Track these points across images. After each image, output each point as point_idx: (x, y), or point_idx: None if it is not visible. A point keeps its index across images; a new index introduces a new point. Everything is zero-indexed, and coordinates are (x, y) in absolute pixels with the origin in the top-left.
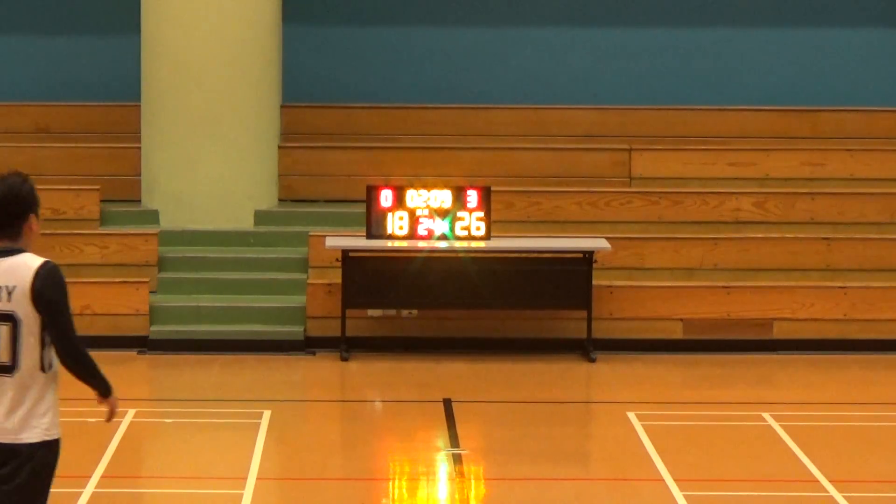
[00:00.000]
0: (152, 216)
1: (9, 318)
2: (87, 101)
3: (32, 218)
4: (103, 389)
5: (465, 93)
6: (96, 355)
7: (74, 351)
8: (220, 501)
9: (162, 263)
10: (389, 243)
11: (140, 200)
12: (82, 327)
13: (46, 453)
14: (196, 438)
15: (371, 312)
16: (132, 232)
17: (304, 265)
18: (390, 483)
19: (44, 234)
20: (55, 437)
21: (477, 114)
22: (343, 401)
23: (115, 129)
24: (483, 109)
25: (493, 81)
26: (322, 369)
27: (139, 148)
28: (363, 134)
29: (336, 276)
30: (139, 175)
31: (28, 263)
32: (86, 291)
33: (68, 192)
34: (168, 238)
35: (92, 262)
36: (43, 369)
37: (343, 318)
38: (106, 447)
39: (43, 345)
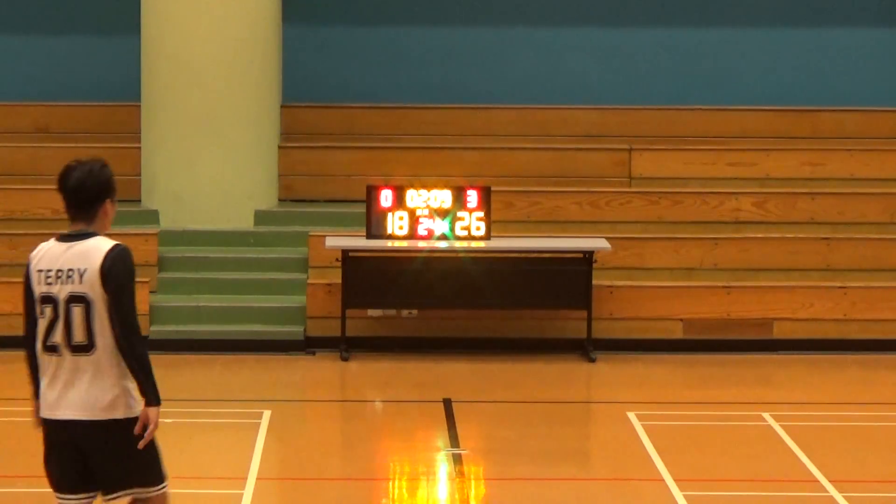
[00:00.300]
0: (152, 216)
1: (82, 300)
2: (86, 101)
3: (108, 203)
4: (148, 394)
5: (465, 93)
6: None
7: (129, 336)
8: (220, 501)
9: (162, 263)
10: (389, 243)
11: (140, 200)
12: None
13: (132, 427)
14: (196, 438)
15: (371, 312)
16: (132, 232)
17: (304, 265)
18: (390, 483)
19: (44, 234)
20: (138, 412)
21: (477, 114)
22: (343, 401)
23: (115, 129)
24: (483, 109)
25: (493, 81)
26: (322, 369)
27: (139, 148)
28: (363, 134)
29: (336, 276)
30: (139, 175)
31: (100, 246)
32: None
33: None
34: (168, 238)
35: None
36: (117, 348)
37: (343, 318)
38: None
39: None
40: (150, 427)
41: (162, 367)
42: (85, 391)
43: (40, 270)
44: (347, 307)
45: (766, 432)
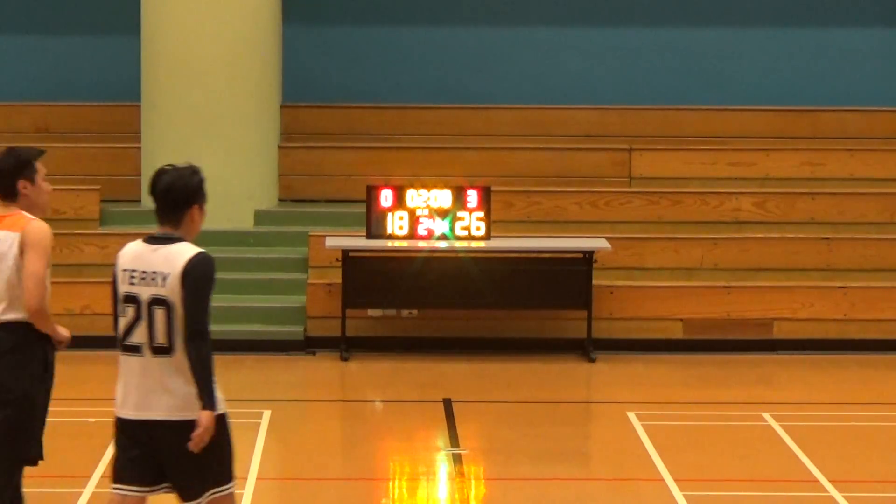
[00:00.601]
0: (152, 216)
1: (163, 303)
2: (87, 101)
3: (195, 210)
4: (206, 399)
5: (465, 93)
6: (96, 356)
7: (198, 339)
8: None
9: None
10: (389, 243)
11: (140, 200)
12: (82, 327)
13: (217, 426)
14: None
15: (371, 312)
16: (132, 232)
17: (304, 265)
18: (390, 483)
19: None
20: (221, 411)
21: (477, 114)
22: (343, 401)
23: (115, 129)
24: (483, 109)
25: (494, 81)
26: (322, 369)
27: (139, 148)
28: (363, 134)
29: (336, 276)
30: (139, 175)
31: (183, 252)
32: (86, 292)
33: (68, 192)
34: None
35: (92, 262)
36: None
37: (343, 318)
38: (106, 447)
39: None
40: (200, 430)
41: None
42: (166, 392)
43: (125, 270)
44: (347, 307)
45: (766, 432)
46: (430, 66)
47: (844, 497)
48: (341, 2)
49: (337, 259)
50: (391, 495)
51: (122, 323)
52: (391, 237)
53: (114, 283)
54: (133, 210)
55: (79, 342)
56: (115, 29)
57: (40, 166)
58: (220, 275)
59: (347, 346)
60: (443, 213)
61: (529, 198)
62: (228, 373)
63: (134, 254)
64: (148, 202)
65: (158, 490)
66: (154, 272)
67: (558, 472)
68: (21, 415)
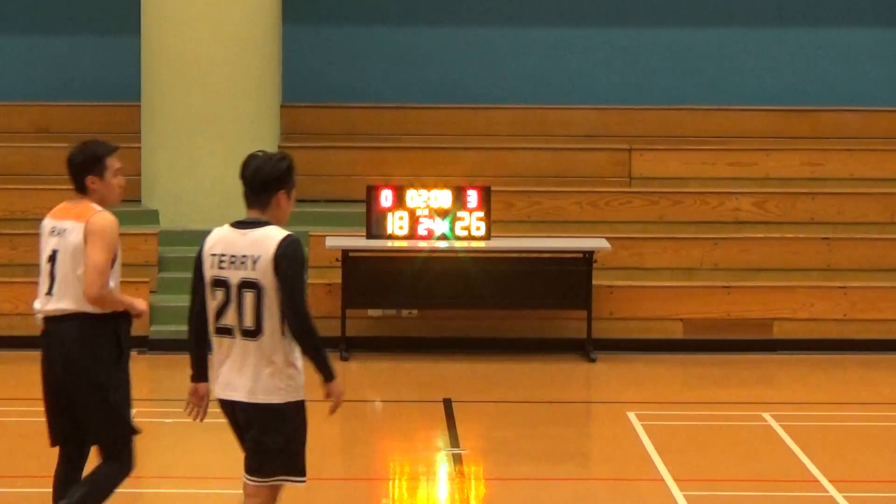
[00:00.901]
0: (152, 216)
1: (253, 286)
2: (86, 101)
3: (282, 194)
4: (325, 372)
5: (465, 93)
6: None
7: (302, 323)
8: (220, 501)
9: (162, 263)
10: (389, 243)
11: (140, 200)
12: None
13: (292, 413)
14: (196, 438)
15: (371, 312)
16: (132, 232)
17: (111, 264)
18: (390, 483)
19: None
20: (300, 398)
21: (477, 114)
22: (343, 400)
23: (115, 129)
24: (483, 109)
25: (494, 81)
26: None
27: (139, 148)
28: (363, 134)
29: (336, 276)
30: (139, 175)
31: (272, 236)
32: None
33: (68, 192)
34: (168, 238)
35: None
36: (284, 335)
37: (343, 318)
38: None
39: (282, 312)
40: (335, 400)
41: (162, 366)
42: (249, 374)
43: (214, 254)
44: (347, 307)
45: (766, 432)
46: (430, 66)
47: (844, 497)
48: (341, 2)
49: (337, 259)
50: (391, 495)
51: (213, 306)
52: (391, 237)
53: (197, 269)
54: (133, 210)
55: None
56: (115, 29)
57: (111, 161)
58: None
59: (347, 345)
60: (443, 213)
61: (529, 198)
62: None
63: (222, 239)
64: (148, 202)
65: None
66: (244, 256)
67: (558, 472)
68: (104, 401)
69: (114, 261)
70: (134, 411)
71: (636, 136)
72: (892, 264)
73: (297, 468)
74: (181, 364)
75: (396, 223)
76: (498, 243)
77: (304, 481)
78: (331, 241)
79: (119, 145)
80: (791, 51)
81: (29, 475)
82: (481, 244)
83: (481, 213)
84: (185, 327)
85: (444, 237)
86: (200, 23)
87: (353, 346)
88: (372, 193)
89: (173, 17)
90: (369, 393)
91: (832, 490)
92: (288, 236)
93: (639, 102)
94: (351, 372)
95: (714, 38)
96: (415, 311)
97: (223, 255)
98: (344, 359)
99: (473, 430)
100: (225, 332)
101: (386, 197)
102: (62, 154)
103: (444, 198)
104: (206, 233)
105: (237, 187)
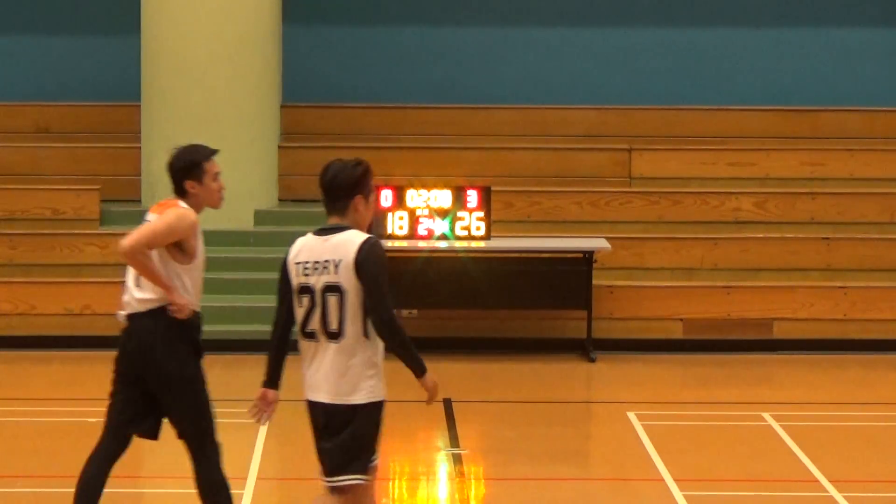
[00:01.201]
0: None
1: (336, 289)
2: (87, 101)
3: (359, 199)
4: (416, 368)
5: (465, 93)
6: (96, 355)
7: (388, 323)
8: None
9: None
10: (389, 243)
11: (140, 200)
12: (82, 327)
13: (373, 412)
14: None
15: None
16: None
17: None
18: (390, 483)
19: (43, 234)
20: (380, 398)
21: (477, 114)
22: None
23: (115, 129)
24: (483, 109)
25: (494, 81)
26: None
27: (139, 148)
28: (363, 134)
29: None
30: (139, 175)
31: (353, 239)
32: (85, 291)
33: (68, 192)
34: None
35: (92, 262)
36: (366, 336)
37: None
38: None
39: (365, 314)
40: (430, 393)
41: None
42: (332, 376)
43: (298, 263)
44: None
45: (766, 432)
46: (430, 65)
47: (844, 497)
48: (341, 2)
49: None
50: (391, 495)
51: (300, 313)
52: (391, 237)
53: (283, 278)
54: (133, 210)
55: (78, 342)
56: (115, 29)
57: (210, 166)
58: (220, 274)
59: None
60: (443, 213)
61: (529, 198)
62: (229, 373)
63: (305, 246)
64: (148, 202)
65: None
66: (326, 261)
67: (558, 473)
68: (185, 396)
69: (193, 257)
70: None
71: (636, 136)
72: (891, 264)
73: (363, 468)
74: None
75: (396, 223)
76: (498, 243)
77: (365, 479)
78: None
79: (217, 149)
80: (791, 51)
81: (29, 475)
82: (481, 244)
83: (481, 213)
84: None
85: (444, 237)
86: (200, 23)
87: None
88: None
89: (173, 17)
90: None
91: (832, 490)
92: (369, 238)
93: (639, 102)
94: None
95: (714, 38)
96: (415, 311)
97: (307, 262)
98: None
99: (473, 430)
100: (310, 336)
101: (386, 197)
102: (62, 154)
103: (444, 198)
104: (206, 233)
105: (238, 187)
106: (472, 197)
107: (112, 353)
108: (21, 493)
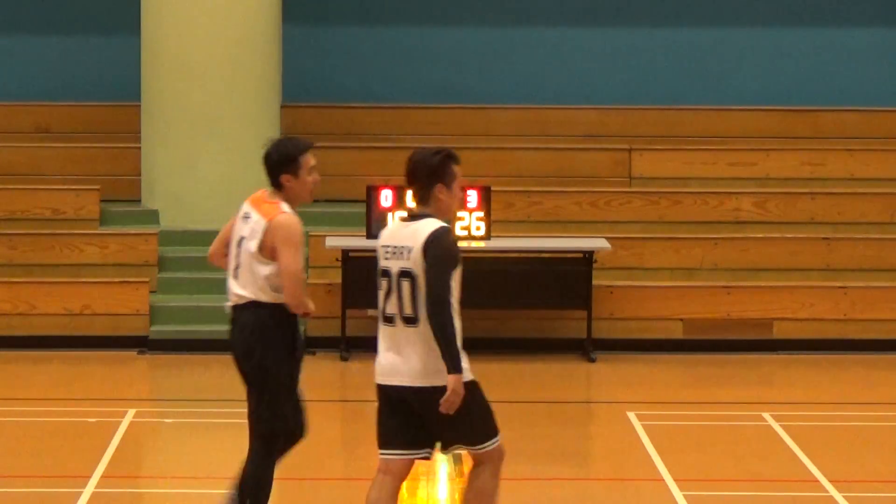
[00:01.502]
0: (152, 216)
1: (408, 275)
2: (87, 101)
3: (440, 187)
4: (449, 364)
5: (465, 93)
6: (96, 356)
7: (439, 313)
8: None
9: (162, 263)
10: None
11: (140, 200)
12: (82, 327)
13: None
14: (196, 439)
15: (371, 312)
16: (132, 232)
17: (303, 265)
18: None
19: (43, 234)
20: (467, 378)
21: (477, 114)
22: (343, 401)
23: (115, 129)
24: (483, 109)
25: (494, 81)
26: (322, 369)
27: (139, 148)
28: (364, 134)
29: (336, 276)
30: (139, 175)
31: (425, 227)
32: (85, 291)
33: (68, 192)
34: (168, 238)
35: (92, 262)
36: None
37: (343, 317)
38: (106, 447)
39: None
40: (447, 394)
41: (162, 367)
42: (413, 360)
43: (382, 246)
44: (347, 307)
45: (766, 432)
46: (430, 66)
47: (844, 497)
48: (341, 2)
49: (337, 259)
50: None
51: (380, 296)
52: None
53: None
54: (133, 210)
55: (78, 342)
56: (115, 29)
57: (306, 160)
58: (220, 274)
59: (347, 345)
60: None
61: (529, 198)
62: (229, 373)
63: (390, 231)
64: (148, 202)
65: (419, 454)
66: (402, 246)
67: (558, 472)
68: (264, 392)
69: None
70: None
71: (636, 136)
72: (892, 264)
73: (476, 438)
74: (181, 364)
75: None
76: (498, 243)
77: (488, 446)
78: (331, 241)
79: (314, 142)
80: (791, 51)
81: (28, 475)
82: (481, 244)
83: (481, 213)
84: (185, 327)
85: None
86: (200, 22)
87: (352, 345)
88: (372, 193)
89: (173, 16)
90: (369, 393)
91: (832, 490)
92: (439, 227)
93: (639, 102)
94: (351, 372)
95: (714, 38)
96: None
97: (387, 246)
98: (344, 359)
99: None
100: (388, 320)
101: (386, 197)
102: (62, 154)
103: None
104: (206, 233)
105: (238, 187)
106: (472, 197)
107: (113, 353)
108: (21, 493)
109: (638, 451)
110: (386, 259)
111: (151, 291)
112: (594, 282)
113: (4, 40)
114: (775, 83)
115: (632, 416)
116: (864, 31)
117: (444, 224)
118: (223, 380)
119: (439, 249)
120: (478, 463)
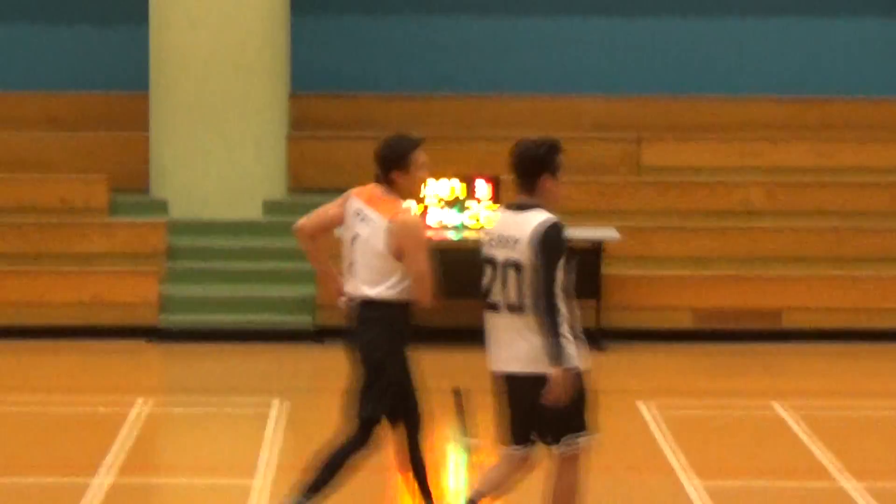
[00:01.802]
0: (161, 206)
1: (515, 265)
2: (95, 90)
3: (546, 178)
4: (550, 355)
5: (474, 82)
6: (105, 345)
7: (542, 305)
8: (231, 492)
9: (171, 253)
10: None
11: (149, 190)
12: (91, 317)
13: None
14: (205, 429)
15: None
16: (141, 221)
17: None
18: (403, 474)
19: (52, 224)
20: (572, 367)
21: (487, 103)
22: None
23: (123, 119)
24: (493, 99)
25: (503, 71)
26: (332, 359)
27: (148, 137)
28: (373, 124)
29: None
30: (148, 165)
31: (534, 219)
32: (95, 281)
33: (77, 182)
34: (177, 228)
35: (100, 252)
36: None
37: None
38: (115, 438)
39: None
40: (549, 385)
41: (171, 356)
42: (519, 347)
43: (487, 233)
44: None
45: (776, 422)
46: (439, 55)
47: (854, 487)
48: None
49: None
50: (403, 486)
51: (484, 283)
52: None
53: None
54: (142, 200)
55: (87, 332)
56: (123, 18)
57: (416, 156)
58: (228, 265)
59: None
60: (452, 204)
61: None
62: (243, 363)
63: (498, 220)
64: (157, 192)
65: (533, 445)
66: (509, 236)
67: None
68: (376, 382)
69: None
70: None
71: (645, 126)
72: None
73: (577, 427)
74: (190, 354)
75: None
76: None
77: (584, 436)
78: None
79: (423, 137)
80: (801, 40)
81: (37, 466)
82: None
83: (491, 203)
84: (194, 317)
85: (453, 227)
86: (209, 12)
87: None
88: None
89: (182, 6)
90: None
91: (843, 480)
92: (547, 220)
93: (648, 92)
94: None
95: (724, 27)
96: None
97: (494, 235)
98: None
99: (486, 420)
100: (492, 307)
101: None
102: (70, 144)
103: (454, 188)
104: (215, 223)
105: (245, 177)
106: (482, 187)
107: (122, 343)
108: (30, 483)
109: (648, 441)
110: (491, 247)
111: (161, 281)
112: (604, 272)
113: (13, 30)
114: (785, 72)
115: (641, 405)
116: (874, 21)
117: (551, 216)
118: (232, 370)
119: (547, 241)
120: (566, 457)
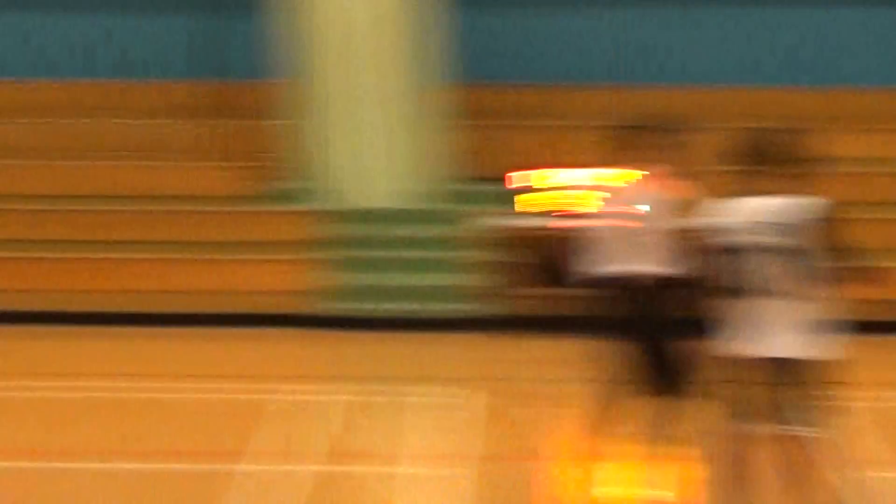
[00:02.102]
0: (313, 194)
1: (772, 250)
2: (236, 79)
3: (790, 167)
4: (814, 341)
5: (636, 73)
6: (252, 333)
7: (808, 290)
8: (438, 482)
9: (327, 242)
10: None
11: (302, 178)
12: (239, 305)
13: (821, 367)
14: (401, 417)
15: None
16: (291, 210)
17: (477, 243)
18: (600, 464)
19: (196, 212)
20: (825, 356)
21: (649, 95)
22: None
23: (272, 107)
24: (655, 89)
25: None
26: (531, 349)
27: (299, 125)
28: (537, 114)
29: (503, 255)
30: (301, 153)
31: (800, 204)
32: (246, 269)
33: (224, 171)
34: (332, 216)
35: (252, 240)
36: (807, 294)
37: (515, 297)
38: (259, 425)
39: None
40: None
41: (326, 344)
42: (772, 334)
43: (739, 222)
44: (534, 285)
45: None
46: (596, 48)
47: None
48: None
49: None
50: (604, 475)
51: (736, 270)
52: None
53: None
54: (294, 188)
55: (237, 320)
56: (241, 8)
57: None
58: (394, 253)
59: (513, 324)
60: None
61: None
62: (384, 350)
63: (748, 207)
64: (310, 180)
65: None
66: (766, 222)
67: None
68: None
69: None
70: None
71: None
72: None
73: (811, 419)
74: (356, 342)
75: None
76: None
77: (812, 433)
78: (496, 220)
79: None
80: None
81: (32, 450)
82: None
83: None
84: (359, 305)
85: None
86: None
87: (520, 324)
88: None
89: None
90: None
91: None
92: (823, 201)
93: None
94: (521, 351)
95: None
96: None
97: (746, 222)
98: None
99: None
100: (749, 293)
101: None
102: (214, 133)
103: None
104: (370, 211)
105: (399, 165)
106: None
107: (275, 331)
108: (176, 470)
109: None
110: (744, 234)
111: (323, 269)
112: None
113: (145, 20)
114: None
115: None
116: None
117: (819, 199)
118: (408, 358)
119: (824, 227)
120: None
